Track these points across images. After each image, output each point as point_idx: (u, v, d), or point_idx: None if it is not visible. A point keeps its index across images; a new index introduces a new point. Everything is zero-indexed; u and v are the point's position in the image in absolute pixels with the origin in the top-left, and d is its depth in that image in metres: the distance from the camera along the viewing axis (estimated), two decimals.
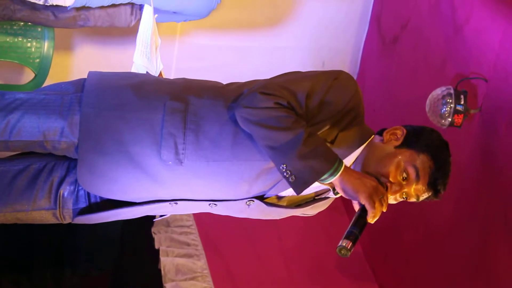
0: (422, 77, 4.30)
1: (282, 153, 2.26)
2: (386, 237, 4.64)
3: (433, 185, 2.43)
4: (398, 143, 2.48)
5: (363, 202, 2.28)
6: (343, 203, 4.84)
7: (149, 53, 3.35)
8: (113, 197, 2.53)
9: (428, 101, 3.66)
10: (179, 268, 4.45)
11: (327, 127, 2.40)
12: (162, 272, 4.43)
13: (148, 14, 3.42)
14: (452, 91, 3.54)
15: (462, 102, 3.52)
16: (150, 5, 3.41)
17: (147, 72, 3.29)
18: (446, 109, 3.54)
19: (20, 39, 3.72)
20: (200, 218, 4.63)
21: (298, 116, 2.33)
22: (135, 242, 4.63)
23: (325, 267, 4.78)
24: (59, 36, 3.88)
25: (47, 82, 3.81)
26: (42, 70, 3.75)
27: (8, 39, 3.69)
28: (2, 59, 3.75)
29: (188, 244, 4.59)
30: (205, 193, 2.49)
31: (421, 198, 2.46)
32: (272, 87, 2.38)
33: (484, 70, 3.62)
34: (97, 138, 2.42)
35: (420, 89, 4.09)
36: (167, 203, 2.52)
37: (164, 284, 4.35)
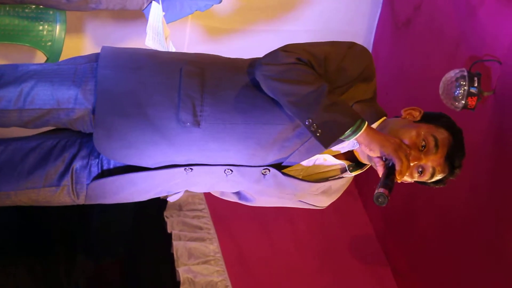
0: (435, 59, 4.28)
1: (307, 107, 2.25)
2: (400, 220, 4.63)
3: (451, 159, 2.41)
4: (416, 120, 2.48)
5: (390, 155, 2.25)
6: (356, 188, 4.83)
7: (161, 40, 3.35)
8: (129, 162, 2.52)
9: (441, 84, 3.64)
10: (192, 252, 4.46)
11: (342, 95, 2.39)
12: (175, 256, 4.44)
13: (155, 10, 3.43)
14: (465, 73, 3.52)
15: (476, 85, 3.50)
16: (158, 3, 3.42)
17: None
18: (460, 92, 3.52)
19: (32, 22, 3.72)
20: (212, 202, 4.63)
21: (318, 74, 2.34)
22: (148, 227, 4.63)
23: (338, 251, 4.78)
24: (70, 19, 3.87)
25: None
26: (54, 53, 3.74)
27: (20, 23, 3.70)
28: (14, 42, 3.75)
29: (201, 228, 4.60)
30: (221, 158, 2.48)
31: (436, 175, 2.43)
32: (292, 46, 2.40)
33: (498, 52, 3.59)
34: (115, 99, 2.43)
35: (433, 71, 4.07)
36: (182, 169, 2.51)
37: (177, 268, 4.36)
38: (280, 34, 4.86)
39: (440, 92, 3.64)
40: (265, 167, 2.49)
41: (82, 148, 2.56)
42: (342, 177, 2.60)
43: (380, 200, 2.21)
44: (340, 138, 2.25)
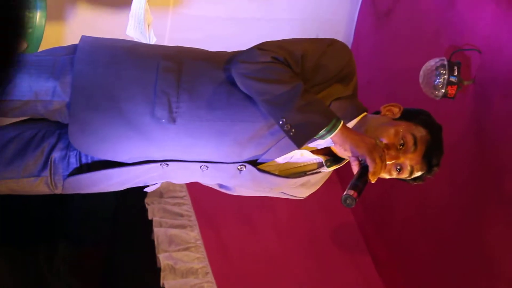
0: (415, 48, 4.30)
1: (281, 106, 2.25)
2: (380, 209, 4.66)
3: (429, 158, 2.41)
4: (395, 117, 2.48)
5: (364, 156, 2.25)
6: (338, 176, 4.85)
7: (142, 29, 3.33)
8: (104, 156, 2.51)
9: (421, 72, 3.67)
10: (172, 239, 4.46)
11: (321, 92, 2.39)
12: (156, 242, 4.44)
13: None
14: (445, 62, 3.55)
15: (456, 74, 3.52)
16: None
17: None
18: (440, 80, 3.54)
19: None
20: (193, 189, 4.64)
21: (294, 73, 2.34)
22: (129, 213, 4.63)
23: (319, 239, 4.80)
24: (51, 5, 3.85)
25: None
26: (34, 40, 3.72)
27: None
28: None
29: (181, 215, 4.60)
30: (196, 154, 2.48)
31: (414, 173, 2.44)
32: (269, 45, 2.40)
33: (477, 41, 3.61)
34: (90, 94, 2.42)
35: (414, 60, 4.08)
36: (158, 164, 2.50)
37: (158, 255, 4.36)
38: (264, 23, 4.86)
39: (420, 80, 3.66)
40: (241, 163, 2.49)
41: (61, 139, 2.55)
42: (320, 171, 2.60)
43: (348, 201, 2.23)
44: (315, 137, 2.26)
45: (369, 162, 2.24)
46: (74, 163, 2.56)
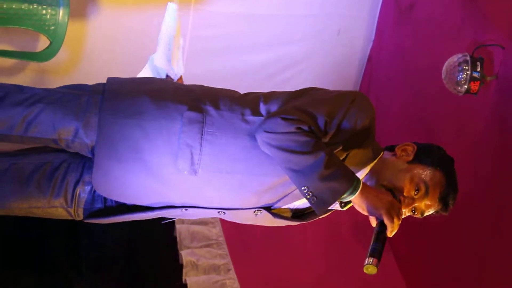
0: (438, 44, 4.27)
1: (304, 176, 2.30)
2: None
3: (445, 200, 2.50)
4: (409, 158, 2.53)
5: (382, 217, 2.33)
6: None
7: (170, 56, 3.27)
8: (125, 201, 2.57)
9: (444, 68, 3.65)
10: (195, 235, 4.48)
11: (342, 145, 2.44)
12: (178, 239, 4.46)
13: (171, 12, 3.33)
14: (468, 58, 3.53)
15: (479, 69, 3.51)
16: (174, 2, 3.33)
17: (166, 75, 3.24)
18: (463, 76, 3.52)
19: (35, 6, 3.71)
20: None
21: (318, 139, 2.37)
22: None
23: (340, 234, 4.79)
24: (74, 2, 3.87)
25: (62, 50, 3.80)
26: (57, 37, 3.73)
27: (23, 6, 3.69)
28: (17, 26, 3.75)
29: None
30: (215, 202, 2.53)
31: (427, 213, 2.53)
32: (293, 112, 2.40)
33: (501, 37, 3.59)
34: (113, 144, 2.46)
35: (436, 56, 4.06)
36: (178, 209, 2.56)
37: (180, 251, 4.38)
38: (284, 19, 4.86)
39: (443, 77, 3.64)
40: (257, 209, 2.55)
41: (85, 173, 2.59)
42: (333, 210, 2.64)
43: (369, 270, 2.31)
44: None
45: (386, 222, 2.33)
46: (99, 195, 2.60)
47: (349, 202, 2.48)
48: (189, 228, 4.49)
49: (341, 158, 2.42)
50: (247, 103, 2.55)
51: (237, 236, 4.57)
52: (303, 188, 2.31)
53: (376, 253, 2.31)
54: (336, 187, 2.29)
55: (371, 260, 2.30)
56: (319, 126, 2.40)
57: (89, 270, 4.32)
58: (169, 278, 4.35)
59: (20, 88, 2.56)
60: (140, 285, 4.40)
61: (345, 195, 2.31)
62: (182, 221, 4.51)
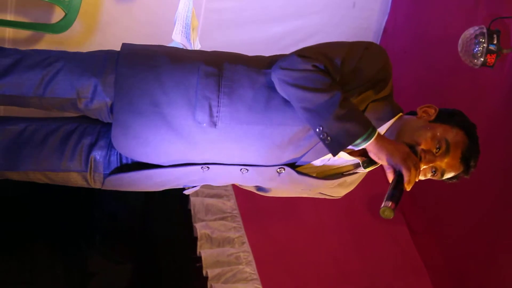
0: (454, 16, 4.24)
1: (319, 115, 2.29)
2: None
3: (466, 161, 2.46)
4: (431, 118, 2.52)
5: (398, 165, 2.30)
6: None
7: (188, 34, 3.28)
8: (146, 159, 2.56)
9: (460, 41, 3.63)
10: (209, 208, 4.49)
11: (359, 95, 2.43)
12: (192, 212, 4.47)
13: None
14: (484, 30, 3.50)
15: (495, 42, 3.48)
16: None
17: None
18: (479, 49, 3.50)
19: None
20: None
21: (334, 80, 2.35)
22: None
23: (355, 210, 4.79)
24: None
25: (78, 22, 3.79)
26: (72, 9, 3.72)
27: None
28: None
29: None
30: (237, 157, 2.52)
31: (448, 175, 2.49)
32: (309, 51, 2.42)
33: None
34: (132, 98, 2.46)
35: (452, 29, 4.04)
36: (199, 167, 2.55)
37: (194, 224, 4.39)
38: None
39: (459, 49, 3.62)
40: (280, 166, 2.53)
41: (102, 137, 2.61)
42: (357, 172, 2.64)
43: (386, 213, 2.26)
44: (349, 146, 2.29)
45: (404, 171, 2.29)
46: (114, 161, 2.62)
47: (372, 162, 2.48)
48: (203, 201, 4.50)
49: (361, 110, 2.42)
50: (263, 60, 2.59)
51: (251, 209, 4.58)
52: (317, 128, 2.28)
53: (394, 198, 2.27)
54: (351, 129, 2.26)
55: (390, 203, 2.25)
56: (335, 68, 2.40)
57: (102, 242, 4.35)
58: (183, 251, 4.37)
59: (36, 51, 2.58)
60: (154, 258, 4.43)
61: (360, 140, 2.27)
62: (197, 194, 4.52)
